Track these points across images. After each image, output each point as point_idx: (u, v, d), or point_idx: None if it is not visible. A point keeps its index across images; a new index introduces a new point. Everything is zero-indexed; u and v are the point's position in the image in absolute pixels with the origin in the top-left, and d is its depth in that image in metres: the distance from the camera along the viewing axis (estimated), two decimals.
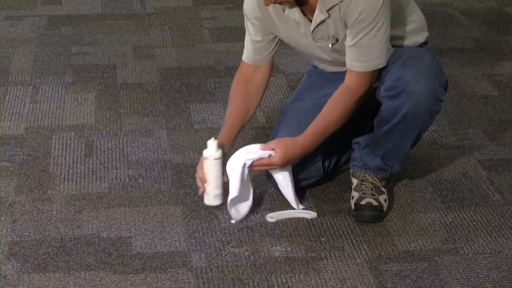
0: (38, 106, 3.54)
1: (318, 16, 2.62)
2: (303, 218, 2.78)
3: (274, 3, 2.56)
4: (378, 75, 2.72)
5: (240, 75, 2.89)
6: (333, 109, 2.70)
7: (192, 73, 3.89)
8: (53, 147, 3.22)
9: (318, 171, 2.90)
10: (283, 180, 2.78)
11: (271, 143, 2.71)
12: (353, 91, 2.69)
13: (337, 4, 2.58)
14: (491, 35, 4.42)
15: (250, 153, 2.71)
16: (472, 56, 4.14)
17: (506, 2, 4.89)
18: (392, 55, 2.72)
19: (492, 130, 3.42)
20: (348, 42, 2.64)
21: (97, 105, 3.57)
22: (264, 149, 2.70)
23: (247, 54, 2.87)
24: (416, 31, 2.79)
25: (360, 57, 2.64)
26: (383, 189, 2.83)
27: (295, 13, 2.66)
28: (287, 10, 2.66)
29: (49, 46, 4.15)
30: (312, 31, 2.67)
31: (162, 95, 3.67)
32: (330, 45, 2.70)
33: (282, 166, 2.71)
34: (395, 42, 2.73)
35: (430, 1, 4.87)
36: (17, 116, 3.46)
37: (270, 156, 2.68)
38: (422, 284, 2.51)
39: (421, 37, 2.81)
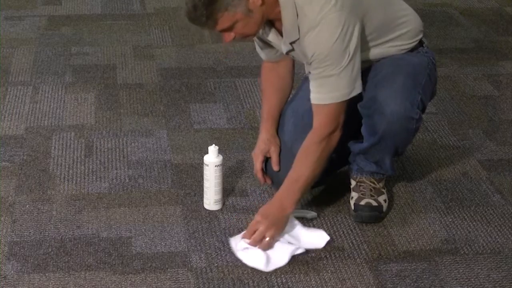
0: (38, 106, 3.54)
1: (283, 46, 2.66)
2: (303, 218, 2.78)
3: (234, 38, 2.55)
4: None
5: (265, 69, 2.91)
6: (302, 163, 2.65)
7: (192, 73, 3.89)
8: (53, 147, 3.22)
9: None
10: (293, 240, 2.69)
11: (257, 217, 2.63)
12: (318, 133, 2.63)
13: (296, 40, 2.59)
14: (491, 35, 4.41)
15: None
16: (472, 56, 4.14)
17: (506, 2, 4.89)
18: (373, 68, 2.72)
19: (492, 130, 3.42)
20: (310, 74, 2.64)
21: (97, 105, 3.56)
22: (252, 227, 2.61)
23: (262, 56, 2.89)
24: (408, 37, 2.75)
25: (317, 88, 2.61)
26: (382, 189, 2.83)
27: (270, 35, 2.68)
28: (264, 34, 2.69)
29: (49, 46, 4.15)
30: (286, 53, 2.70)
31: (162, 95, 3.66)
32: (306, 73, 2.73)
33: (270, 227, 2.59)
34: (386, 49, 2.72)
35: (430, 1, 4.87)
36: (17, 116, 3.46)
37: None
38: (422, 284, 2.51)
39: (413, 43, 2.77)
